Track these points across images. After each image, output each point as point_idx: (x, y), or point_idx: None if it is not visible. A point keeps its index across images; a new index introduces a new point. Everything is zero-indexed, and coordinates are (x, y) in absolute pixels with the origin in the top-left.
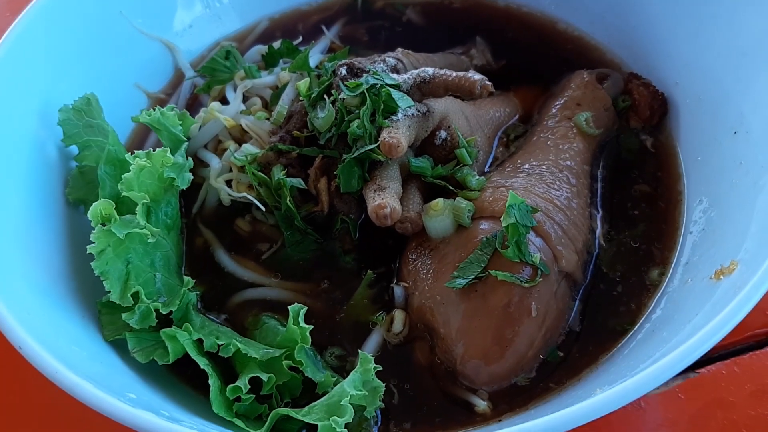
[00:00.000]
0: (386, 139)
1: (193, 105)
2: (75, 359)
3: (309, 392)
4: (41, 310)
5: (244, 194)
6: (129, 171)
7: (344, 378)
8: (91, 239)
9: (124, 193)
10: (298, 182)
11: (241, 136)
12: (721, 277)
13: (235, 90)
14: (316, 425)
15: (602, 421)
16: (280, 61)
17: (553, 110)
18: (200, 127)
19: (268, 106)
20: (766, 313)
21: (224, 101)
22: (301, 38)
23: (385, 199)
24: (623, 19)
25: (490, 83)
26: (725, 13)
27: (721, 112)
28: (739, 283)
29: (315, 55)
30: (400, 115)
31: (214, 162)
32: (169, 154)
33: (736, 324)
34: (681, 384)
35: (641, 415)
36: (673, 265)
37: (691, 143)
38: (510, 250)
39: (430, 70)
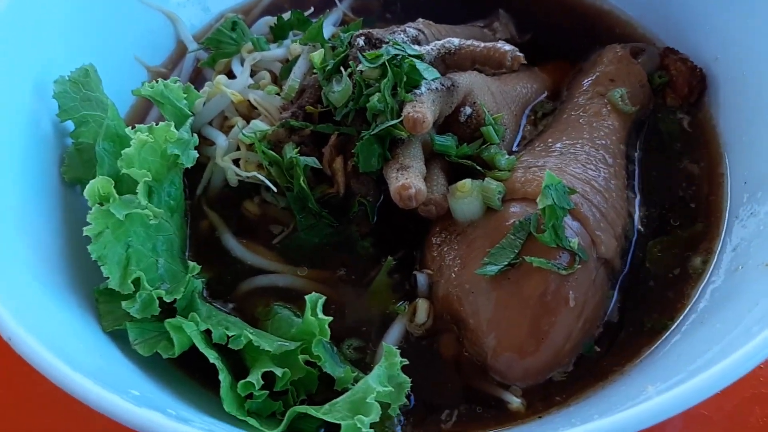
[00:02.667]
0: (411, 114)
1: (197, 80)
2: (71, 352)
3: (325, 388)
4: (33, 299)
5: (254, 173)
6: (129, 147)
7: (364, 372)
8: (87, 220)
9: (123, 171)
10: (312, 161)
11: (248, 113)
12: None
13: (242, 63)
14: (337, 424)
15: None
16: (290, 33)
17: (585, 86)
18: (205, 103)
19: (277, 80)
20: None
21: (230, 75)
22: (312, 9)
23: (410, 179)
24: None
25: (521, 54)
26: None
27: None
28: None
29: (327, 27)
30: (423, 88)
31: (221, 140)
32: (173, 128)
33: None
34: None
35: None
36: (717, 253)
37: (733, 122)
38: (546, 235)
39: (456, 41)
